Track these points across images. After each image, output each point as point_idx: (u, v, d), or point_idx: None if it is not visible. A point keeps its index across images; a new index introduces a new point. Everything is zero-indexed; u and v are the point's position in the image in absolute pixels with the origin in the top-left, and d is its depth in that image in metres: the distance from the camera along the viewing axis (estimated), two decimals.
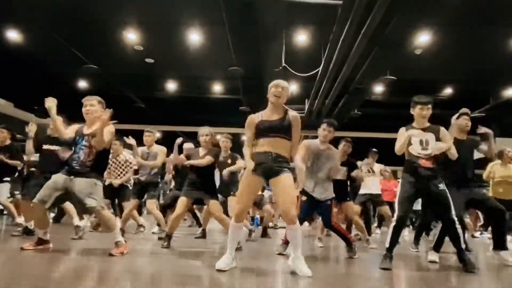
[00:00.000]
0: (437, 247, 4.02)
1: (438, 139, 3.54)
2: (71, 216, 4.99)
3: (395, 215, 3.46)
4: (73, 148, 3.69)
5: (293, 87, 11.15)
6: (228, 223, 3.70)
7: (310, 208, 4.17)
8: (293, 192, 2.98)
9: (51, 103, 3.61)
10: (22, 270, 2.73)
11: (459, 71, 9.99)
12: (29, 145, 4.89)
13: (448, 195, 3.45)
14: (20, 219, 5.56)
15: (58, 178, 3.53)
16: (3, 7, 7.66)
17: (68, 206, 4.92)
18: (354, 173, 5.16)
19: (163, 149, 5.55)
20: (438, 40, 8.18)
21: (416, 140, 3.55)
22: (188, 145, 5.69)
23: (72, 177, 3.51)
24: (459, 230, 3.43)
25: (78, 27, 8.34)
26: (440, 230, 3.97)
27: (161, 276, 2.73)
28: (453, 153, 3.63)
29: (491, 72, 9.83)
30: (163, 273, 2.87)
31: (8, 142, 5.67)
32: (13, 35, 8.83)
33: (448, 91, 11.33)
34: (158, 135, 5.57)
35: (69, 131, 3.73)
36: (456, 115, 4.28)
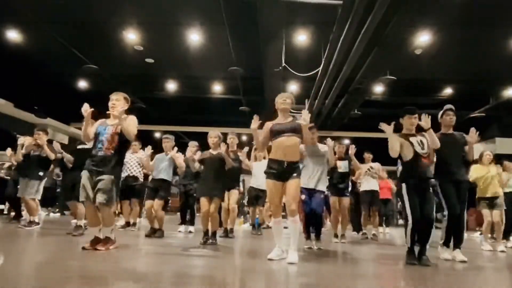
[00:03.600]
0: (447, 242, 4.24)
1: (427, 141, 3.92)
2: (79, 217, 5.19)
3: (410, 219, 3.72)
4: (96, 138, 3.82)
5: (293, 87, 11.14)
6: (217, 224, 4.78)
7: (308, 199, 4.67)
8: (297, 192, 3.57)
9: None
10: (21, 270, 2.74)
11: (459, 71, 9.99)
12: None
13: (433, 198, 3.80)
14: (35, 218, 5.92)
15: (84, 178, 3.70)
16: (3, 7, 7.66)
17: (80, 205, 5.07)
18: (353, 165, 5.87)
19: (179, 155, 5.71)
20: (438, 40, 8.18)
21: (415, 141, 3.89)
22: (193, 143, 5.79)
23: (94, 175, 3.68)
24: (433, 231, 3.79)
25: (78, 27, 8.34)
26: (446, 225, 4.16)
27: (161, 276, 2.74)
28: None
29: (491, 72, 9.82)
30: (163, 273, 2.87)
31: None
32: (13, 35, 8.83)
33: (448, 91, 11.33)
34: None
35: (93, 129, 3.88)
36: (441, 112, 4.42)
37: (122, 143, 3.82)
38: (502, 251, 5.46)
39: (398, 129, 4.04)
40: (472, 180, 5.78)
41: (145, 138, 6.52)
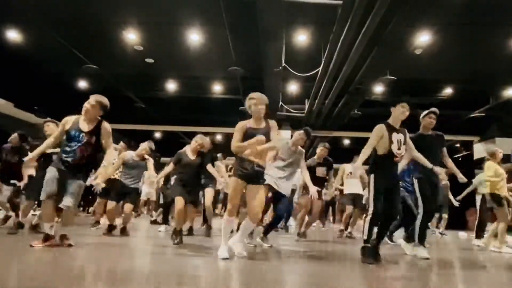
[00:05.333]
0: (421, 240, 4.31)
1: (405, 140, 3.91)
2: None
3: (370, 210, 3.71)
4: (68, 140, 3.75)
5: (293, 87, 11.15)
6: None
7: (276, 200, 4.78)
8: (263, 200, 3.68)
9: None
10: (20, 270, 2.73)
11: (459, 71, 9.98)
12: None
13: (399, 194, 3.88)
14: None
15: (54, 173, 3.63)
16: (3, 7, 7.66)
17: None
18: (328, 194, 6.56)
19: (152, 160, 5.71)
20: (438, 40, 8.17)
21: (395, 140, 3.82)
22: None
23: (65, 173, 3.64)
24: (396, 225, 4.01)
25: (78, 27, 8.33)
26: (421, 221, 4.28)
27: (161, 276, 2.73)
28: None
29: (491, 72, 9.81)
30: (163, 273, 2.87)
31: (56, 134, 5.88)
32: (13, 35, 8.82)
33: (448, 91, 11.31)
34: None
35: (65, 124, 3.79)
36: (424, 113, 4.51)
37: (96, 152, 3.82)
38: (508, 252, 5.43)
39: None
40: (489, 178, 5.70)
41: (145, 138, 6.49)
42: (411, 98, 11.30)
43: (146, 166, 5.60)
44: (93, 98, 3.81)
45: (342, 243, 5.96)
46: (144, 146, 5.60)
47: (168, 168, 5.15)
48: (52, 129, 5.09)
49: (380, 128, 3.82)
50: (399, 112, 3.84)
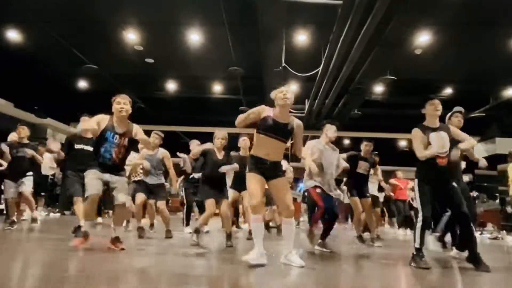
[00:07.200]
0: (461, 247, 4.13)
1: (450, 137, 3.60)
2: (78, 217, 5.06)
3: (420, 216, 3.53)
4: (102, 142, 3.74)
5: (293, 87, 11.16)
6: (229, 222, 4.64)
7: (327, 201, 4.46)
8: (289, 191, 3.46)
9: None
10: (21, 270, 2.73)
11: (459, 71, 9.98)
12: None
13: (459, 193, 3.56)
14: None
15: (99, 174, 3.65)
16: (3, 7, 7.66)
17: (78, 207, 4.94)
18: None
19: (168, 153, 5.57)
20: (438, 40, 8.17)
21: (433, 139, 3.54)
22: (195, 142, 5.76)
23: (108, 174, 3.69)
24: (473, 227, 3.59)
25: (78, 27, 8.33)
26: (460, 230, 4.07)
27: (161, 276, 2.73)
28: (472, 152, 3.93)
29: (491, 72, 9.82)
30: (163, 273, 2.87)
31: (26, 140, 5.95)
32: (13, 35, 8.82)
33: (448, 91, 11.31)
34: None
35: (92, 123, 3.74)
36: (450, 113, 4.41)
37: (127, 154, 3.92)
38: None
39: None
40: None
41: None
42: (411, 98, 11.34)
43: (162, 161, 5.44)
44: (121, 98, 3.81)
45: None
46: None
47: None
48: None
49: (416, 132, 3.64)
50: (431, 110, 3.63)
